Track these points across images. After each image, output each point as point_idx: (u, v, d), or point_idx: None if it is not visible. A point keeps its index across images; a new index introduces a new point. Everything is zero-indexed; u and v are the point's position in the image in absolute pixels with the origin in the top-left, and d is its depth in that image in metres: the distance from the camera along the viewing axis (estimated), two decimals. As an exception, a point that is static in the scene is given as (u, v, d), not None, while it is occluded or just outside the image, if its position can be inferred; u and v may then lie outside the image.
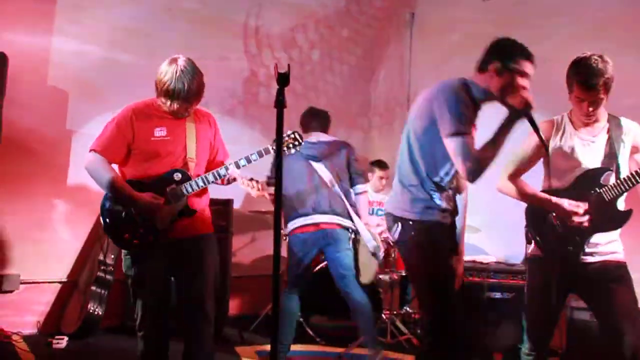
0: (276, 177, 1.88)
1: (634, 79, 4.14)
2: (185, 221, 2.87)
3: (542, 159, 2.85)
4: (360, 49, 6.51)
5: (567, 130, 2.76)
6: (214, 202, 4.79)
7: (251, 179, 2.96)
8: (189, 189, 2.83)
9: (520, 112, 2.44)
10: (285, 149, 2.92)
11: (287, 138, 2.93)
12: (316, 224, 3.83)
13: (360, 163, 4.29)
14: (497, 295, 4.14)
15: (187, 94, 2.76)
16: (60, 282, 4.57)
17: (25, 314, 4.41)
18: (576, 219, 2.61)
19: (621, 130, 2.70)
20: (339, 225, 3.85)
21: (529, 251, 2.85)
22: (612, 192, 2.60)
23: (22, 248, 4.40)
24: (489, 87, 2.56)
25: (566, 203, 2.61)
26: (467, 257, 4.60)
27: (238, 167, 2.89)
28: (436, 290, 2.55)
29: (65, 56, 4.62)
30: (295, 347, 4.09)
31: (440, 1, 6.09)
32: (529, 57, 2.52)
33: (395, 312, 4.63)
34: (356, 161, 4.10)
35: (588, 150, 2.70)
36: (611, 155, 2.67)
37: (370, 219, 4.96)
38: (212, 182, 2.89)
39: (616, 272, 2.62)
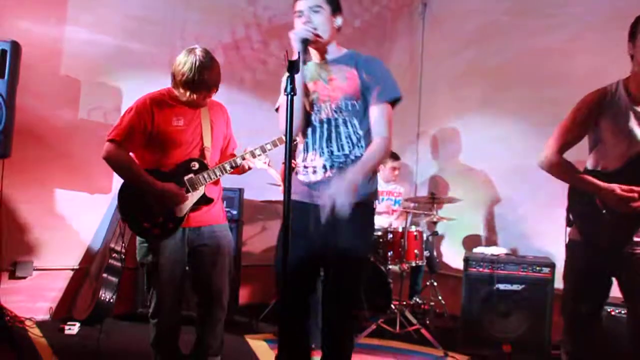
0: (286, 166, 1.88)
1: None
2: (202, 210, 2.94)
3: (588, 135, 2.57)
4: (372, 39, 6.47)
5: (622, 102, 2.44)
6: (225, 192, 4.86)
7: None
8: (207, 178, 2.90)
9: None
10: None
11: None
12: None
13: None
14: (507, 287, 4.12)
15: (206, 84, 2.81)
16: (72, 269, 4.62)
17: (38, 300, 4.47)
18: (631, 205, 2.34)
19: None
20: None
21: (569, 235, 2.64)
22: None
23: (35, 235, 4.45)
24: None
25: (618, 189, 2.36)
26: (476, 249, 4.60)
27: (254, 156, 2.97)
28: None
29: (78, 45, 4.64)
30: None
31: (453, -9, 6.04)
32: None
33: (404, 303, 4.63)
34: None
35: None
36: None
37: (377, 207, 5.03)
38: (229, 171, 2.95)
39: None
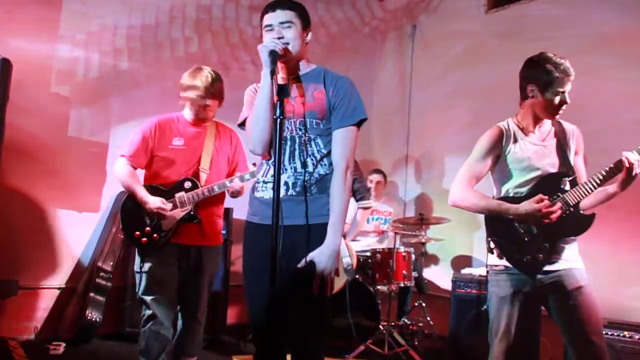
0: (274, 188, 1.88)
1: (636, 93, 4.17)
2: (194, 228, 3.14)
3: (492, 169, 2.76)
4: (362, 60, 6.54)
5: (518, 136, 2.70)
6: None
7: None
8: (195, 197, 3.11)
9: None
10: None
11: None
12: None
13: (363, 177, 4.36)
14: (495, 308, 4.13)
15: (206, 89, 3.13)
16: (58, 289, 4.57)
17: (23, 320, 4.41)
18: (550, 210, 2.49)
19: (565, 134, 2.69)
20: None
21: (491, 262, 2.72)
22: (576, 196, 2.54)
23: (20, 254, 4.41)
24: None
25: (531, 202, 2.52)
26: (465, 270, 4.62)
27: (242, 180, 3.15)
28: None
29: (68, 63, 4.65)
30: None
31: (442, 13, 6.13)
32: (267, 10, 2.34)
33: (393, 324, 4.62)
34: (361, 176, 4.17)
35: (542, 155, 2.64)
36: (564, 159, 2.63)
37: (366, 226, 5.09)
38: (217, 192, 3.13)
39: (576, 280, 2.52)
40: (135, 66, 4.92)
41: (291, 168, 2.28)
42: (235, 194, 3.26)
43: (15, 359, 3.87)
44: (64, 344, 4.10)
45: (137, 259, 3.14)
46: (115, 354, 4.16)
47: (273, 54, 2.17)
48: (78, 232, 4.69)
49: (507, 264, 2.62)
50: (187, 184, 3.13)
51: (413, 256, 4.79)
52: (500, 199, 2.70)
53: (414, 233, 5.20)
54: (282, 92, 1.92)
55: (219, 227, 3.30)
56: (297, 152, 2.29)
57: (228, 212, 4.87)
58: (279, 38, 2.26)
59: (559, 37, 4.85)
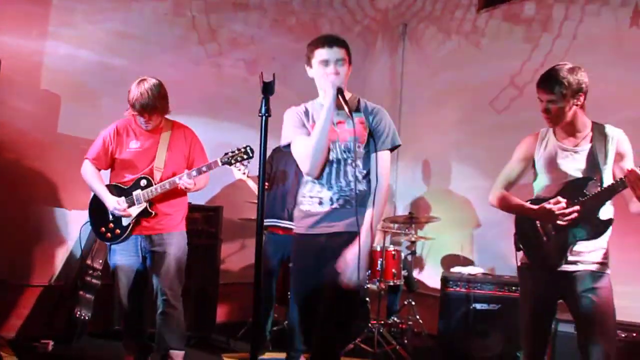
0: (259, 185, 1.90)
1: (627, 93, 4.21)
2: (154, 220, 3.44)
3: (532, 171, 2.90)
4: (353, 58, 6.52)
5: (550, 141, 2.80)
6: (204, 209, 4.86)
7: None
8: (149, 194, 3.39)
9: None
10: (233, 161, 3.37)
11: (236, 151, 3.37)
12: (286, 229, 4.08)
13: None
14: (484, 306, 4.15)
15: (153, 108, 3.34)
16: (47, 286, 4.55)
17: (11, 318, 4.39)
18: (564, 213, 2.61)
19: (605, 138, 2.70)
20: None
21: (519, 259, 2.90)
22: (595, 200, 2.61)
23: (8, 251, 4.38)
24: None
25: (547, 204, 2.65)
26: (454, 269, 4.64)
27: (190, 177, 3.36)
28: None
29: (58, 60, 4.63)
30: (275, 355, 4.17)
31: (433, 13, 6.14)
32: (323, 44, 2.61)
33: (382, 322, 4.63)
34: None
35: (571, 160, 2.72)
36: (594, 165, 2.67)
37: None
38: (168, 188, 3.38)
39: (595, 281, 2.62)
40: (125, 63, 4.90)
41: (337, 186, 2.60)
42: (187, 190, 3.44)
43: (3, 357, 3.86)
44: (52, 342, 4.09)
45: (108, 253, 3.56)
46: (104, 351, 4.15)
47: (340, 91, 2.50)
48: (67, 230, 4.67)
49: (529, 261, 2.83)
50: (143, 182, 3.42)
51: (402, 255, 4.80)
52: (531, 200, 2.82)
53: (403, 232, 5.21)
54: (268, 89, 1.94)
55: (176, 218, 3.54)
56: (342, 173, 2.61)
57: (218, 210, 4.87)
58: (337, 74, 2.57)
59: (550, 37, 4.89)
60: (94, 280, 4.29)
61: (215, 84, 5.48)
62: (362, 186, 2.63)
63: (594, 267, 2.66)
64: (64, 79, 4.66)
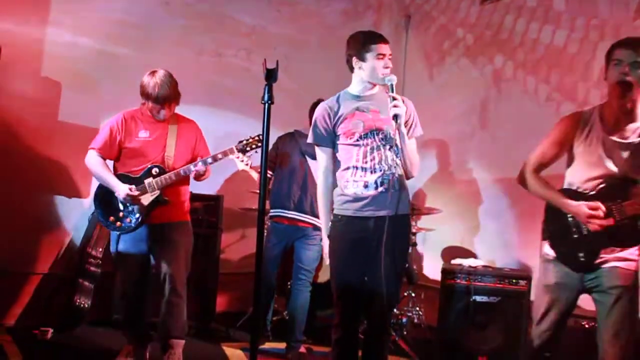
0: (261, 174, 1.89)
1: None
2: (163, 209, 3.42)
3: (566, 155, 2.67)
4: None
5: (595, 129, 2.50)
6: (204, 199, 4.85)
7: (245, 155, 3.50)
8: (163, 182, 3.37)
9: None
10: (248, 149, 3.43)
11: (250, 139, 3.43)
12: (292, 219, 4.12)
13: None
14: (484, 298, 4.14)
15: (158, 98, 3.33)
16: (47, 274, 4.55)
17: (10, 305, 4.39)
18: (596, 222, 2.41)
19: None
20: (313, 225, 4.08)
21: (543, 249, 2.72)
22: (636, 207, 2.39)
23: (8, 239, 4.37)
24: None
25: (585, 207, 2.43)
26: (455, 260, 4.63)
27: (205, 164, 3.41)
28: None
29: (59, 47, 4.60)
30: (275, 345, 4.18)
31: (436, 4, 6.10)
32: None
33: (382, 313, 4.62)
34: None
35: (616, 154, 2.46)
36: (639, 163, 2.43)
37: None
38: (183, 176, 3.41)
39: (616, 279, 2.48)
40: (126, 51, 4.87)
41: (380, 169, 2.82)
42: (200, 177, 3.51)
43: (2, 344, 3.86)
44: (51, 330, 4.09)
45: (112, 241, 3.51)
46: (103, 340, 4.15)
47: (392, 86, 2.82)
48: (67, 218, 4.66)
49: (555, 254, 2.64)
50: (155, 170, 3.40)
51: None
52: (565, 190, 2.63)
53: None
54: (271, 76, 1.92)
55: (185, 207, 3.59)
56: (383, 157, 2.83)
57: (219, 199, 4.86)
58: (386, 68, 2.91)
59: (554, 29, 4.85)
60: (93, 269, 4.29)
61: (216, 74, 5.44)
62: (399, 170, 2.86)
63: (620, 263, 2.50)
64: (64, 66, 4.63)
